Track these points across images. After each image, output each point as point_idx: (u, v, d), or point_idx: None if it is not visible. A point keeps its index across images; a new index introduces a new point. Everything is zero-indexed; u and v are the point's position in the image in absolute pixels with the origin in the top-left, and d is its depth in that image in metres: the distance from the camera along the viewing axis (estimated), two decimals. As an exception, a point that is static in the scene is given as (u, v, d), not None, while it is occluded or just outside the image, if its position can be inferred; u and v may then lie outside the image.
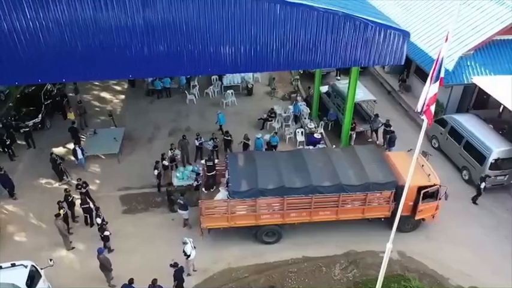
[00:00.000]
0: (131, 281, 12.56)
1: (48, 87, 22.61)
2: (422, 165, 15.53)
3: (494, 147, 17.07)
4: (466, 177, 18.29)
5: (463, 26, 21.19)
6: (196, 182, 16.72)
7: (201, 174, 16.85)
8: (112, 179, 18.44)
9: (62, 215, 15.12)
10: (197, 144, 19.12)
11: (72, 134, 19.79)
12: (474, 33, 20.77)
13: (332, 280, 14.26)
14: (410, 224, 15.72)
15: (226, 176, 16.04)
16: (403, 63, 15.30)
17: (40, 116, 21.20)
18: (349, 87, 17.29)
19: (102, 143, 19.61)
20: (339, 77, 24.86)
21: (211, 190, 16.35)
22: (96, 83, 26.06)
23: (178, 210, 15.98)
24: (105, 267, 13.59)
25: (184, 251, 13.63)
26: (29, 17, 12.79)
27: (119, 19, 13.32)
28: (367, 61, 14.89)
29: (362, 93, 21.19)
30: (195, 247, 13.92)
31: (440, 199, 15.18)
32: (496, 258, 14.88)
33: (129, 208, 17.18)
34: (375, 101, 21.53)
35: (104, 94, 25.36)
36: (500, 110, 20.92)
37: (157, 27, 13.68)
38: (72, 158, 18.85)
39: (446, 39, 7.69)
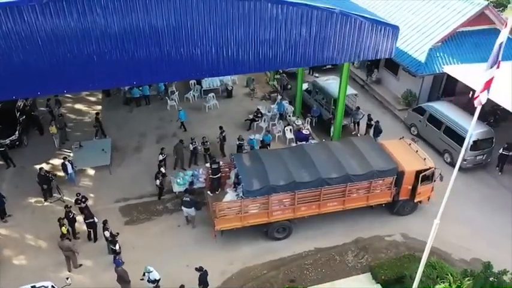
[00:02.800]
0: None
1: (19, 103, 21.42)
2: (417, 151, 16.52)
3: (473, 129, 18.43)
4: (448, 160, 19.60)
5: (430, 21, 22.76)
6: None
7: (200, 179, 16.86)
8: (107, 191, 17.88)
9: (66, 234, 14.53)
10: (191, 148, 19.00)
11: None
12: (440, 26, 22.35)
13: (347, 267, 14.81)
14: (409, 207, 16.65)
15: (232, 177, 16.17)
16: (393, 56, 16.20)
17: (17, 132, 20.04)
18: (340, 82, 17.98)
19: (91, 156, 18.94)
20: (317, 75, 25.64)
21: (217, 193, 16.35)
22: (68, 95, 25.01)
23: (182, 208, 15.89)
24: (124, 279, 13.24)
25: (150, 280, 13.07)
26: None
27: (98, 26, 12.87)
28: (361, 56, 15.64)
29: (343, 88, 22.02)
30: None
31: (435, 181, 16.23)
32: (489, 230, 16.12)
33: (131, 219, 16.77)
34: (356, 95, 22.47)
35: (79, 106, 24.42)
36: (470, 95, 22.57)
37: (137, 33, 13.39)
38: (60, 174, 18.08)
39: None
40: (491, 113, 21.84)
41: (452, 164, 19.48)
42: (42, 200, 17.39)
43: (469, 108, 21.21)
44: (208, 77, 22.08)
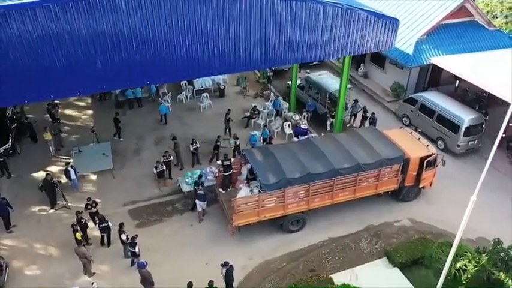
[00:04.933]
0: (190, 284, 12.36)
1: (8, 111, 20.65)
2: (419, 138, 17.22)
3: (465, 116, 19.44)
4: (442, 147, 20.48)
5: (415, 14, 23.73)
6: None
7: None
8: (113, 195, 17.57)
9: (82, 241, 14.24)
10: (192, 149, 18.95)
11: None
12: (424, 19, 23.35)
13: (363, 254, 15.26)
14: (413, 193, 17.33)
15: (244, 173, 16.29)
16: (393, 47, 16.82)
17: (10, 141, 19.32)
18: (342, 75, 18.48)
19: (92, 160, 18.55)
20: (308, 71, 26.12)
21: (228, 190, 16.43)
22: (56, 102, 24.26)
23: (196, 201, 16.02)
24: (148, 281, 13.12)
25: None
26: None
27: (88, 29, 12.58)
28: (364, 49, 16.16)
29: (337, 83, 22.54)
30: None
31: (437, 166, 16.97)
32: (489, 211, 16.94)
33: (142, 222, 16.59)
34: (349, 89, 23.00)
35: (69, 112, 23.77)
36: (456, 84, 23.68)
37: (130, 36, 13.20)
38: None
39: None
40: (476, 101, 22.99)
41: (446, 150, 20.41)
42: (47, 208, 16.91)
43: (454, 97, 22.34)
44: (206, 76, 22.10)
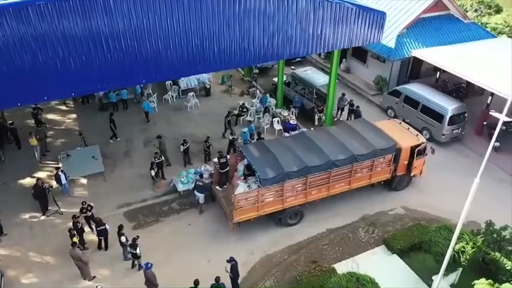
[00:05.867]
0: (196, 282, 12.31)
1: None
2: (408, 128, 17.70)
3: (449, 106, 20.11)
4: (427, 136, 21.01)
5: (394, 9, 24.34)
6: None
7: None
8: (106, 199, 17.24)
9: (77, 243, 13.93)
10: (183, 149, 18.80)
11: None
12: (404, 13, 23.98)
13: (362, 243, 15.57)
14: (405, 181, 17.80)
15: (240, 169, 16.33)
16: (381, 40, 17.22)
17: (-7, 148, 18.72)
18: (331, 70, 18.82)
19: (82, 164, 18.14)
20: (293, 67, 26.36)
21: (225, 187, 16.44)
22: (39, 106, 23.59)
23: (195, 192, 16.08)
24: (152, 283, 12.96)
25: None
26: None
27: (77, 29, 12.23)
28: (353, 42, 16.48)
29: (323, 78, 22.93)
30: None
31: (426, 154, 17.49)
32: (476, 195, 17.50)
33: (138, 223, 16.36)
34: (335, 83, 23.41)
35: (52, 116, 23.14)
36: (437, 76, 24.42)
37: (115, 35, 12.87)
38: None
39: None
40: (456, 91, 23.79)
41: (431, 140, 21.03)
42: (38, 214, 16.45)
43: (436, 88, 23.04)
44: (193, 74, 22.04)
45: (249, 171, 15.93)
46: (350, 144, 16.07)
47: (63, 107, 24.07)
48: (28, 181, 18.21)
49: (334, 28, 15.79)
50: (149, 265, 12.76)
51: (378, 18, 16.13)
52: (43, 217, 16.43)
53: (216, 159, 16.41)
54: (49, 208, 16.59)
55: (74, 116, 23.27)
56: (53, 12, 11.74)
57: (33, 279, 14.13)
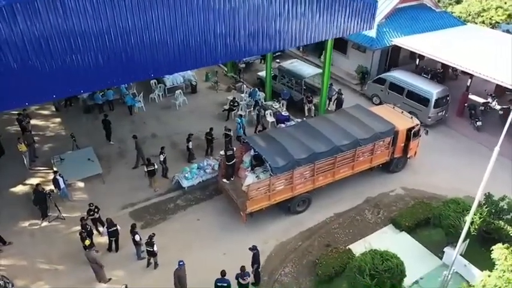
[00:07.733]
0: (223, 273, 12.28)
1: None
2: (402, 112, 18.40)
3: (433, 90, 21.07)
4: (414, 120, 22.00)
5: None
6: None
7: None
8: (108, 200, 16.75)
9: (93, 245, 13.57)
10: (189, 145, 18.64)
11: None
12: (382, 3, 24.79)
13: (370, 224, 16.06)
14: (401, 163, 18.49)
15: (247, 161, 16.39)
16: (373, 28, 17.78)
17: (-20, 157, 17.74)
18: (325, 59, 19.21)
19: (78, 167, 17.53)
20: (278, 60, 26.60)
21: (232, 179, 16.44)
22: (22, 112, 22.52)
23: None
24: (184, 282, 12.75)
25: None
26: None
27: (58, 28, 11.51)
28: (346, 31, 16.91)
29: (310, 69, 23.37)
30: None
31: (420, 136, 18.27)
32: (467, 171, 18.50)
33: (146, 222, 16.06)
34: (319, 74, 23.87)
35: (34, 121, 22.04)
36: (417, 63, 25.47)
37: (98, 34, 12.27)
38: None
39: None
40: (434, 76, 24.91)
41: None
42: (37, 221, 15.80)
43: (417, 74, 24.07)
44: (181, 71, 21.78)
45: (257, 162, 16.01)
46: (352, 129, 16.52)
47: (46, 112, 23.14)
48: (20, 188, 17.46)
49: (328, 17, 16.13)
50: (181, 263, 12.50)
51: (369, 5, 16.63)
52: (44, 223, 15.79)
53: (222, 152, 16.36)
54: (49, 214, 15.96)
55: (58, 120, 22.43)
56: (29, 11, 10.91)
57: (45, 286, 13.58)
